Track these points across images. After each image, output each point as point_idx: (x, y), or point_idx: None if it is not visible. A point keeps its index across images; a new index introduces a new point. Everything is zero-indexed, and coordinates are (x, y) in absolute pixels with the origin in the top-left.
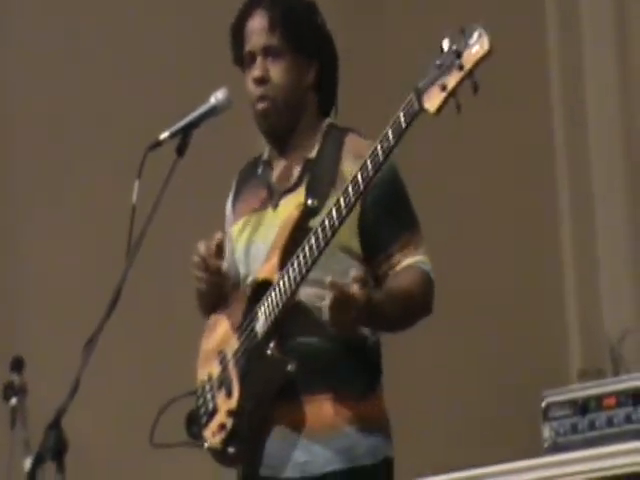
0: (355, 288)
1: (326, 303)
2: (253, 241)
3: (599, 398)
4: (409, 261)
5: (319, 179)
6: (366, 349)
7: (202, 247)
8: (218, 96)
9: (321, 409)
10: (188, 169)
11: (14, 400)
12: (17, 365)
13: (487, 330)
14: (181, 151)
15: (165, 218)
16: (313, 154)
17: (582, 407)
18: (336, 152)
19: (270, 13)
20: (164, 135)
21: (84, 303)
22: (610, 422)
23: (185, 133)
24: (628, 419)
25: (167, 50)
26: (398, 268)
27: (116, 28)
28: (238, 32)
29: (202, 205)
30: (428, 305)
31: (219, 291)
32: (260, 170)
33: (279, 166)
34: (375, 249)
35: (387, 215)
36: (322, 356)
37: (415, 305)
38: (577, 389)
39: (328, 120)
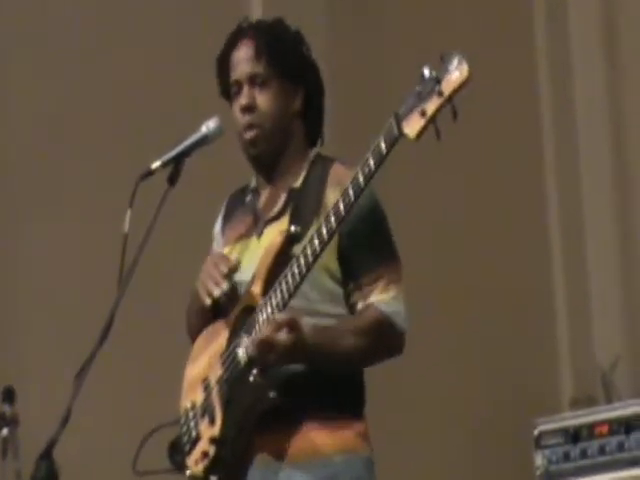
0: (281, 335)
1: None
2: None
3: (591, 426)
4: (375, 298)
5: (303, 208)
6: (350, 377)
7: (223, 262)
8: (210, 125)
9: (304, 436)
10: (181, 197)
11: (5, 430)
12: (8, 396)
13: (478, 358)
14: (173, 180)
15: (157, 247)
16: (298, 184)
17: (574, 435)
18: (321, 182)
19: (255, 42)
20: (156, 164)
21: (75, 333)
22: (602, 450)
23: (177, 162)
24: (620, 447)
25: (166, 69)
26: (366, 302)
27: (115, 49)
28: (224, 63)
29: (194, 234)
30: (385, 348)
31: (214, 311)
32: (248, 198)
33: (265, 194)
34: (348, 277)
35: (362, 246)
36: (305, 383)
37: (366, 348)
38: (569, 417)
39: (315, 150)
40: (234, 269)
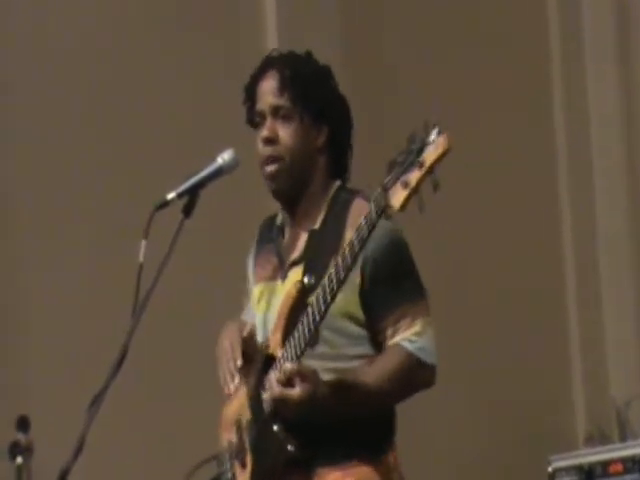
0: (294, 390)
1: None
2: (268, 312)
3: (605, 464)
4: (399, 337)
5: (321, 252)
6: (373, 419)
7: (236, 350)
8: (224, 157)
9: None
10: (197, 228)
11: (20, 459)
12: (23, 424)
13: (492, 394)
14: (188, 212)
15: (173, 277)
16: (318, 224)
17: (588, 473)
18: (340, 222)
19: (280, 74)
20: (171, 195)
21: (91, 362)
22: None
23: (192, 193)
24: None
25: (182, 98)
26: (390, 342)
27: (124, 85)
28: (251, 92)
29: (210, 264)
30: (412, 385)
31: None
32: (274, 234)
33: (289, 234)
34: (374, 319)
35: (384, 286)
36: (326, 433)
37: (391, 389)
38: (583, 454)
39: (337, 183)
40: (251, 335)
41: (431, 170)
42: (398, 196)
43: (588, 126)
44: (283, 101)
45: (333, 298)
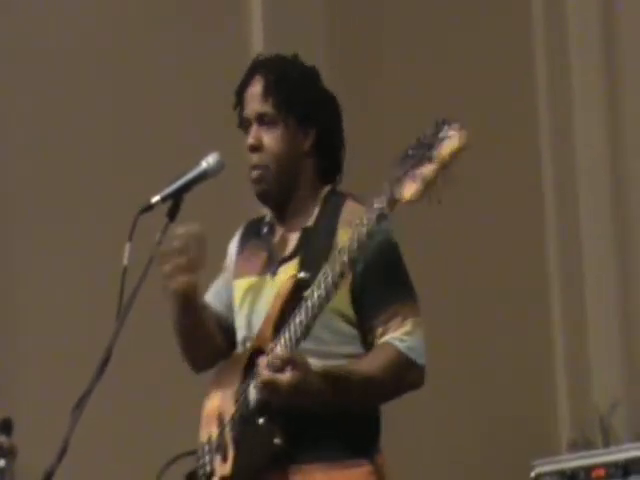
0: (284, 375)
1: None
2: (254, 310)
3: (588, 469)
4: (389, 336)
5: (314, 250)
6: (360, 417)
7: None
8: (209, 160)
9: (312, 477)
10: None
11: (2, 462)
12: (6, 427)
13: (476, 400)
14: (172, 216)
15: (158, 279)
16: (311, 222)
17: (571, 478)
18: (333, 222)
19: (264, 80)
20: (155, 199)
21: (76, 364)
22: None
23: (176, 197)
24: None
25: (168, 101)
26: (380, 341)
27: (116, 88)
28: (239, 98)
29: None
30: (400, 385)
31: (190, 304)
32: (265, 231)
33: (280, 232)
34: (364, 317)
35: (376, 285)
36: (312, 427)
37: (380, 385)
38: (566, 459)
39: (328, 187)
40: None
41: (446, 164)
42: (409, 188)
43: (572, 125)
44: (267, 108)
45: (335, 289)
